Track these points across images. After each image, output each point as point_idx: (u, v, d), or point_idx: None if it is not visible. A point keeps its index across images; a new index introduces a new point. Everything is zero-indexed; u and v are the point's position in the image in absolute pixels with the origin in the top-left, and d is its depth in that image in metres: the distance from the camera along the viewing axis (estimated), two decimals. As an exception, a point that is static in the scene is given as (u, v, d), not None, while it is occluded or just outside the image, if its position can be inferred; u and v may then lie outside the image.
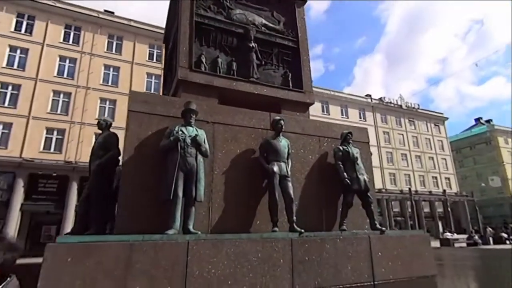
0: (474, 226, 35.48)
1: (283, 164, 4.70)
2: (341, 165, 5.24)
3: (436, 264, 5.45)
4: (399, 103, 43.35)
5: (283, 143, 4.84)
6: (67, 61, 24.40)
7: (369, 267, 4.58)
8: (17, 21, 23.87)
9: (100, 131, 4.78)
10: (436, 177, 41.84)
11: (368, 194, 5.17)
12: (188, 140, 4.06)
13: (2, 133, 21.04)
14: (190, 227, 3.90)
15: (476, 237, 19.94)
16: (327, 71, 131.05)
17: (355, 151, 5.37)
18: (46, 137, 21.85)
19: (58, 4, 25.33)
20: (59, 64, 24.15)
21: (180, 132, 4.08)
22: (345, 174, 5.15)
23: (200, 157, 4.12)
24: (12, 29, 23.49)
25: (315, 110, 36.46)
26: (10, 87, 22.39)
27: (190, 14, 6.00)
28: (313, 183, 5.33)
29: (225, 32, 6.33)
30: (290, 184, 4.65)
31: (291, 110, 6.40)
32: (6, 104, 21.69)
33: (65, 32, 25.13)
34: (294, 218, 4.52)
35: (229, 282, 3.64)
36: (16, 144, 20.87)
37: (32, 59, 23.29)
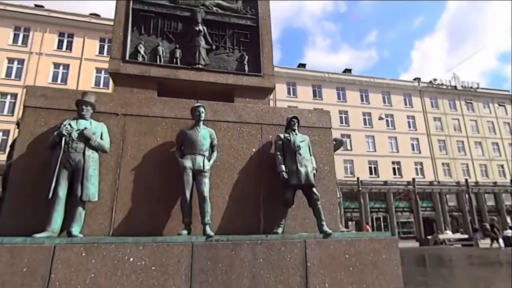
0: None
1: (199, 158, 4.08)
2: (279, 156, 4.44)
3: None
4: (452, 83, 38.66)
5: (202, 133, 4.22)
6: (102, 71, 26.24)
7: (302, 278, 3.76)
8: (59, 40, 26.41)
9: None
10: (502, 165, 36.56)
11: (314, 189, 4.29)
12: (75, 134, 3.69)
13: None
14: (73, 229, 3.53)
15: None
16: (381, 58, 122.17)
17: (299, 139, 4.51)
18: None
19: (94, 20, 27.36)
20: (96, 76, 26.18)
21: (68, 126, 3.73)
22: (282, 166, 4.35)
23: (90, 152, 3.72)
24: (55, 48, 26.03)
25: (353, 100, 34.38)
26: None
27: (127, 2, 5.64)
28: (250, 179, 4.60)
29: (169, 17, 5.84)
30: (205, 181, 4.02)
31: (247, 97, 5.72)
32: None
33: (100, 45, 27.11)
34: (207, 219, 3.89)
35: (106, 293, 3.19)
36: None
37: (72, 73, 25.59)
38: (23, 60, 25.23)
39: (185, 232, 3.85)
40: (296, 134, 4.58)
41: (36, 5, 27.67)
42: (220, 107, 4.84)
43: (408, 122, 35.21)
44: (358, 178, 26.38)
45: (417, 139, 34.57)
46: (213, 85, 5.66)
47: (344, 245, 4.05)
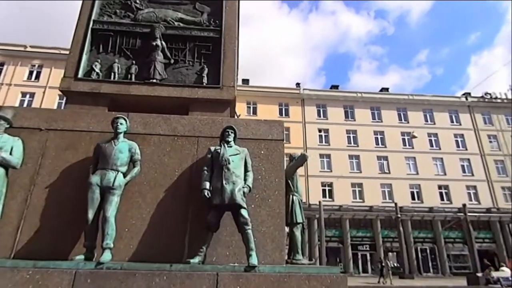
0: None
1: (110, 173, 3.68)
2: (205, 172, 3.87)
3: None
4: (509, 96, 34.53)
5: (119, 146, 3.85)
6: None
7: (209, 320, 3.05)
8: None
9: None
10: None
11: (241, 211, 3.60)
12: (-22, 150, 3.55)
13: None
14: (-41, 251, 3.29)
15: None
16: (434, 76, 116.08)
17: (230, 151, 3.91)
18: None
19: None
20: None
21: None
22: (206, 183, 3.77)
23: (-6, 169, 3.54)
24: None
25: (390, 120, 32.26)
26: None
27: (87, 23, 5.71)
28: (178, 199, 4.06)
29: (128, 34, 5.79)
30: (112, 199, 3.58)
31: (203, 111, 5.32)
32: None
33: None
34: (107, 242, 3.41)
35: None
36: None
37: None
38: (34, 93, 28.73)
39: (81, 257, 3.40)
40: (230, 146, 4.00)
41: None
42: (152, 119, 4.48)
43: (456, 141, 31.79)
44: (396, 203, 23.97)
45: (468, 159, 30.84)
46: (167, 99, 5.38)
47: (271, 282, 3.27)
